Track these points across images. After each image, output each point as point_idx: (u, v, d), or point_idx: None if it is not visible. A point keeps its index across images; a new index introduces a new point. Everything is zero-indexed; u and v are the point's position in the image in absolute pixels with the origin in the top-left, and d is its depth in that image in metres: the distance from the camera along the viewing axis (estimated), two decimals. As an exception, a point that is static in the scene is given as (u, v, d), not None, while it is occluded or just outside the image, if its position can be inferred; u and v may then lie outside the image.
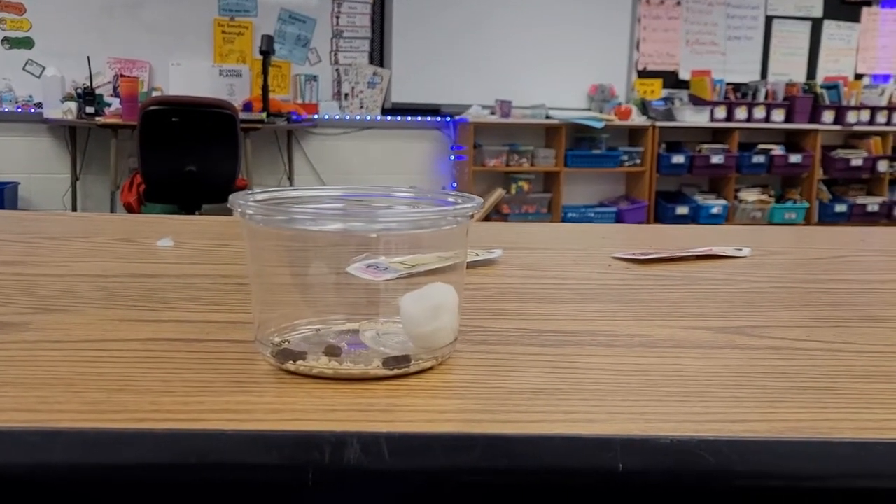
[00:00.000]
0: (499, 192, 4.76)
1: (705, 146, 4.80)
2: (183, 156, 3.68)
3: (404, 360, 0.40)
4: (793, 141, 4.96)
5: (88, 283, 0.59)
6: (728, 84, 4.85)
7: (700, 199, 4.86)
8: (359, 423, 0.34)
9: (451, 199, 0.44)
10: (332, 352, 0.41)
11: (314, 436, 0.32)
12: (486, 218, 4.71)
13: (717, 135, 4.86)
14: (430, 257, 0.67)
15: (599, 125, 4.57)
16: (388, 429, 0.33)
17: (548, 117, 4.67)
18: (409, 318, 0.41)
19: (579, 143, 4.76)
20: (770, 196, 4.93)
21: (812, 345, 0.47)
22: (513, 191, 4.78)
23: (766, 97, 4.83)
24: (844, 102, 4.87)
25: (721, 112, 4.77)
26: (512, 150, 4.70)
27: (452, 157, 4.91)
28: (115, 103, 4.36)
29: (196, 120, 3.67)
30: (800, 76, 5.08)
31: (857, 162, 4.88)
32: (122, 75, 4.52)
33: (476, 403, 0.36)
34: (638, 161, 4.74)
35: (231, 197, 0.43)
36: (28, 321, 0.48)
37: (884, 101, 4.92)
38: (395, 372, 0.40)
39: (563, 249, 0.80)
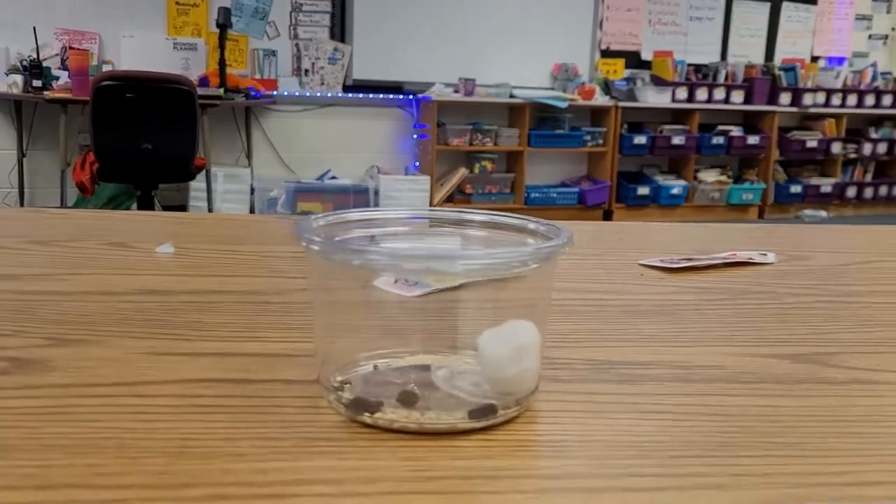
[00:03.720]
0: (462, 172, 4.72)
1: (666, 127, 4.82)
2: (138, 133, 3.55)
3: (491, 410, 0.37)
4: (751, 122, 5.02)
5: (99, 304, 0.54)
6: (689, 65, 4.87)
7: (660, 179, 4.89)
8: (466, 494, 0.31)
9: (531, 225, 0.41)
10: (408, 400, 0.37)
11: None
12: (449, 198, 4.68)
13: (678, 116, 4.89)
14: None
15: (563, 105, 4.55)
16: (501, 500, 0.30)
17: (511, 96, 4.64)
18: (492, 360, 0.38)
19: (543, 122, 4.74)
20: (728, 177, 4.99)
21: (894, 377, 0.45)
22: (476, 170, 4.75)
23: (726, 78, 4.87)
24: (801, 85, 4.94)
25: (682, 93, 4.80)
26: (475, 129, 4.66)
27: (415, 136, 4.85)
28: (64, 77, 4.19)
29: (152, 96, 3.54)
30: (758, 58, 5.13)
31: (812, 144, 4.97)
32: (70, 47, 4.34)
33: (582, 464, 0.33)
34: (601, 141, 4.74)
35: (294, 228, 0.39)
36: (48, 357, 0.44)
37: (839, 84, 5.01)
38: (483, 424, 0.36)
39: (581, 254, 0.77)
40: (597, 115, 4.86)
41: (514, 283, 0.40)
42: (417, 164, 4.88)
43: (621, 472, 0.33)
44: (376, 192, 4.57)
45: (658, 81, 4.82)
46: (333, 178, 4.82)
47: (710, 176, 4.97)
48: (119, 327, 0.49)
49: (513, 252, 0.37)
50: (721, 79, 4.88)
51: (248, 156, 4.77)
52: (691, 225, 1.04)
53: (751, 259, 0.76)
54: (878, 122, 5.15)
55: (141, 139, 3.55)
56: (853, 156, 5.05)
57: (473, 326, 0.44)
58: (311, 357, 0.45)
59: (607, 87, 4.82)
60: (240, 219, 1.05)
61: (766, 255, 0.77)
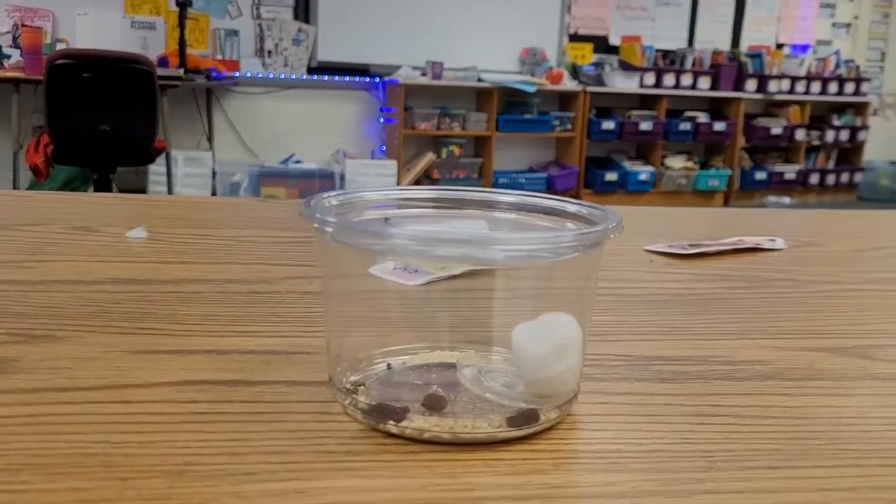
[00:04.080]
0: (429, 157, 4.66)
1: (634, 112, 4.82)
2: (95, 114, 3.42)
3: (533, 416, 0.32)
4: (717, 109, 5.04)
5: (70, 294, 0.48)
6: (657, 51, 4.86)
7: (628, 165, 4.89)
8: (524, 520, 0.26)
9: (571, 207, 0.36)
10: (435, 404, 0.33)
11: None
12: (417, 183, 4.62)
13: (646, 101, 4.88)
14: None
15: (531, 89, 4.51)
16: (565, 528, 0.25)
17: (480, 80, 4.58)
18: (530, 358, 0.33)
19: (511, 107, 4.70)
20: (695, 163, 5.01)
21: (950, 372, 0.42)
22: (443, 155, 4.69)
23: (694, 64, 4.88)
24: (766, 71, 4.96)
25: (650, 78, 4.79)
26: (443, 113, 4.60)
27: (381, 120, 4.77)
28: (16, 55, 4.03)
29: (110, 75, 3.41)
30: (725, 44, 5.15)
31: (776, 130, 5.00)
32: (22, 25, 4.17)
33: (648, 480, 0.29)
34: (569, 126, 4.72)
35: (305, 208, 0.34)
36: (14, 356, 0.38)
37: (803, 72, 5.05)
38: (524, 432, 0.32)
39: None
40: (565, 100, 4.83)
41: (547, 272, 0.36)
42: (384, 148, 4.81)
43: (696, 489, 0.28)
44: (342, 177, 4.49)
45: (626, 67, 4.80)
46: (298, 162, 4.72)
47: (677, 162, 4.98)
48: (94, 321, 0.44)
49: (559, 236, 0.32)
50: (688, 65, 4.89)
51: (210, 139, 4.65)
52: (688, 210, 1.01)
53: (759, 245, 0.72)
54: (840, 109, 5.21)
55: (98, 120, 3.42)
56: (816, 143, 5.10)
57: (500, 319, 0.39)
58: (312, 354, 0.40)
59: (575, 71, 4.79)
60: (214, 201, 0.98)
61: (774, 240, 0.74)
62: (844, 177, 5.19)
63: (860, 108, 5.18)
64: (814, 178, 5.13)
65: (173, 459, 0.29)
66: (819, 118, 5.15)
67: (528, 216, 0.38)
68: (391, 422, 0.31)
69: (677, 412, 0.35)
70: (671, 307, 0.51)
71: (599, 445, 0.31)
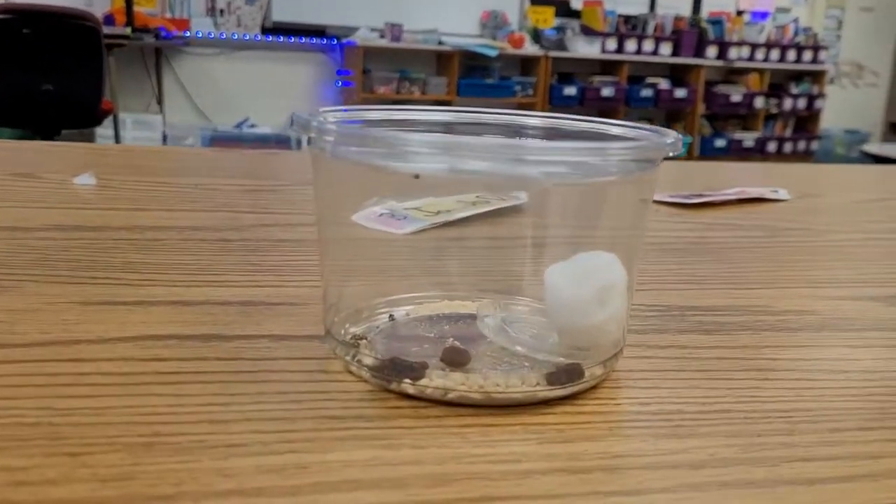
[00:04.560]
0: (388, 121, 4.56)
1: (596, 78, 4.77)
2: (37, 73, 3.25)
3: (576, 372, 0.27)
4: (678, 75, 5.02)
5: (7, 242, 0.41)
6: (619, 16, 4.81)
7: (588, 131, 4.84)
8: (591, 497, 0.21)
9: (615, 129, 0.31)
10: (457, 359, 0.27)
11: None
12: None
13: (607, 67, 4.84)
14: (448, 201, 0.53)
15: (493, 53, 4.43)
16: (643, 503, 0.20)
17: (440, 43, 4.49)
18: (568, 304, 0.28)
19: (472, 71, 4.62)
20: (654, 130, 4.97)
21: None
22: (402, 120, 4.59)
23: (655, 30, 4.84)
24: (727, 38, 4.95)
25: (612, 44, 4.74)
26: (403, 77, 4.50)
27: (339, 83, 4.66)
28: (-48, 10, 3.81)
29: (53, 32, 3.24)
30: (686, 9, 5.12)
31: (736, 98, 5.01)
32: (-42, -22, 3.94)
33: (724, 446, 0.24)
34: (530, 92, 4.65)
35: (297, 116, 0.27)
36: (-65, 308, 0.31)
37: (762, 39, 5.05)
38: (567, 391, 0.26)
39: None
40: (526, 65, 4.77)
41: (590, 197, 0.30)
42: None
43: (784, 456, 0.23)
44: (299, 142, 4.37)
45: (588, 31, 4.75)
46: (252, 126, 4.59)
47: (636, 129, 4.94)
48: (35, 269, 0.37)
49: (605, 149, 0.27)
50: (650, 30, 4.85)
51: (159, 101, 4.49)
52: (681, 163, 0.96)
53: (763, 196, 0.68)
54: (798, 77, 5.24)
55: (40, 80, 3.25)
56: (775, 111, 5.12)
57: (522, 262, 0.34)
58: (296, 305, 0.34)
59: (537, 36, 4.72)
60: (168, 150, 0.91)
61: (777, 191, 0.70)
62: (801, 144, 5.23)
63: (817, 77, 5.21)
64: (771, 146, 5.16)
65: (137, 429, 0.23)
66: (777, 86, 5.17)
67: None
68: (407, 380, 0.26)
69: (734, 367, 0.30)
70: (691, 256, 0.46)
71: (656, 405, 0.26)
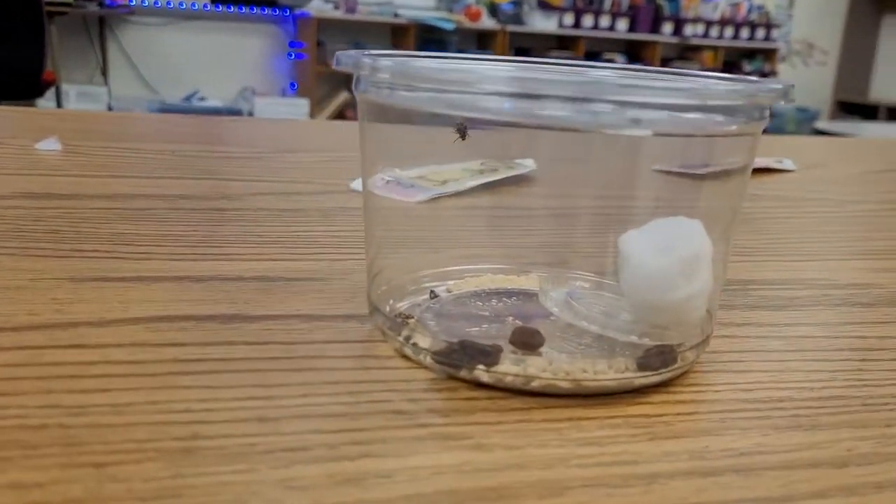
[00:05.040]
0: (343, 96, 4.48)
1: (553, 53, 4.75)
2: (-27, 41, 3.09)
3: (671, 356, 0.23)
4: (634, 52, 5.03)
5: (-29, 210, 0.36)
6: (575, -10, 4.78)
7: (544, 107, 4.81)
8: (737, 507, 0.17)
9: (707, 77, 0.27)
10: (530, 341, 0.24)
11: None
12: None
13: (564, 42, 4.82)
14: (452, 168, 0.49)
15: (450, 27, 4.37)
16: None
17: (396, 15, 4.40)
18: (649, 276, 0.24)
19: (428, 44, 4.54)
20: (609, 106, 4.98)
21: None
22: (357, 94, 4.51)
23: (612, 6, 4.83)
24: (683, 15, 4.97)
25: (569, 19, 4.72)
26: (357, 49, 4.41)
27: (292, 56, 4.54)
28: None
29: (-11, -2, 3.08)
30: (641, -14, 5.12)
31: (689, 75, 5.04)
32: None
33: (860, 438, 0.21)
34: (486, 66, 4.61)
35: (341, 56, 0.23)
36: None
37: (717, 16, 5.08)
38: (661, 377, 0.23)
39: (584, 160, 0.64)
40: (483, 39, 4.71)
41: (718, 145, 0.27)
42: (295, 85, 4.60)
43: (928, 450, 0.20)
44: (251, 115, 4.26)
45: (545, 6, 4.71)
46: (202, 99, 4.46)
47: (591, 105, 4.94)
48: (11, 242, 0.32)
49: (715, 90, 0.23)
50: (607, 6, 4.84)
51: (104, 72, 4.32)
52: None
53: (769, 166, 0.66)
54: (751, 55, 5.29)
55: (-23, 48, 3.10)
56: (725, 88, 5.17)
57: (564, 234, 0.31)
58: (319, 281, 0.30)
59: (494, 9, 4.67)
60: (134, 116, 0.85)
61: (781, 161, 0.67)
62: (751, 122, 5.30)
63: (769, 55, 5.27)
64: (722, 123, 5.21)
65: (171, 431, 0.19)
66: (731, 63, 5.22)
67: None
68: (481, 366, 0.22)
69: (825, 346, 0.27)
70: (724, 226, 0.43)
71: (761, 391, 0.23)
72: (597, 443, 0.19)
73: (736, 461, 0.19)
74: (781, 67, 5.35)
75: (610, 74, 0.29)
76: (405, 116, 0.24)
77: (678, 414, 0.21)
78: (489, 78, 0.21)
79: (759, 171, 0.63)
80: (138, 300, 0.27)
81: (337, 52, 0.24)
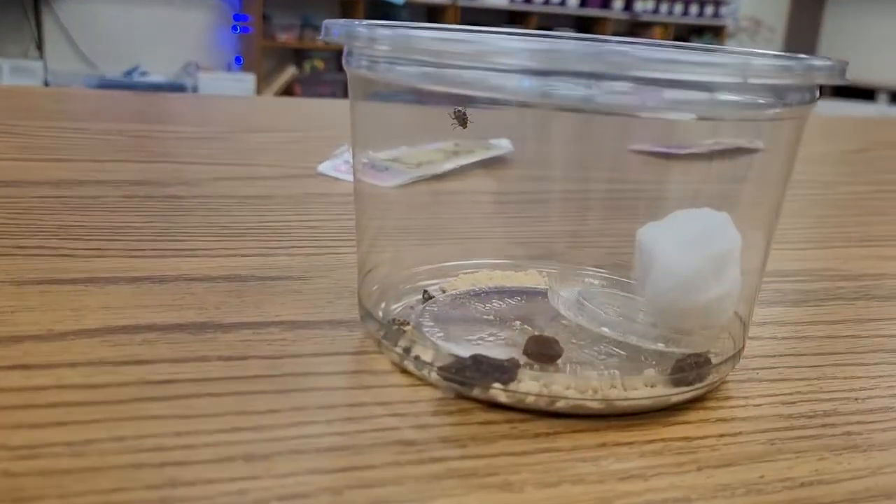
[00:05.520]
0: (290, 71, 4.38)
1: (504, 28, 4.72)
2: None
3: (706, 368, 0.21)
4: (585, 27, 5.02)
5: None
6: (526, -35, 4.74)
7: (496, 83, 4.78)
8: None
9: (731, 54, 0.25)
10: (548, 351, 0.21)
11: None
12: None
13: (515, 17, 4.78)
14: (426, 150, 0.47)
15: (400, 1, 4.30)
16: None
17: (344, -11, 4.31)
18: (674, 275, 0.22)
19: (377, 19, 4.47)
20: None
21: None
22: (306, 69, 4.42)
23: (562, -19, 4.81)
24: (632, -9, 4.98)
25: (520, -7, 4.68)
26: (305, 24, 4.31)
27: (236, 30, 4.42)
28: None
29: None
30: (591, -38, 5.10)
31: (639, 51, 5.06)
32: None
33: (920, 458, 0.19)
34: (437, 42, 4.55)
35: (329, 24, 0.20)
36: None
37: (665, -7, 5.10)
38: (694, 392, 0.21)
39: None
40: (434, 14, 4.65)
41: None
42: (241, 60, 4.48)
43: None
44: (195, 91, 4.14)
45: (495, -19, 4.67)
46: (144, 74, 4.31)
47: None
48: (-61, 237, 0.28)
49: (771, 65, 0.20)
50: (557, -19, 4.82)
51: (40, 46, 4.15)
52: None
53: (740, 146, 0.64)
54: (700, 31, 5.33)
55: None
56: (674, 65, 5.21)
57: (563, 224, 0.28)
58: (295, 280, 0.27)
59: (444, -16, 4.61)
60: (72, 92, 0.79)
61: (752, 140, 0.66)
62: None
63: (718, 31, 5.32)
64: (671, 100, 5.25)
65: (142, 477, 0.16)
66: (680, 39, 5.26)
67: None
68: (497, 384, 0.19)
69: (856, 347, 0.25)
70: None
71: (804, 405, 0.21)
72: (640, 475, 0.17)
73: (798, 494, 0.17)
74: (729, 44, 5.40)
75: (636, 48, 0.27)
76: (402, 94, 0.22)
77: (721, 436, 0.19)
78: (506, 51, 0.19)
79: (732, 151, 0.61)
80: (92, 307, 0.23)
81: (325, 22, 0.21)
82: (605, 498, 0.16)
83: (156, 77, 4.33)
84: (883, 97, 3.52)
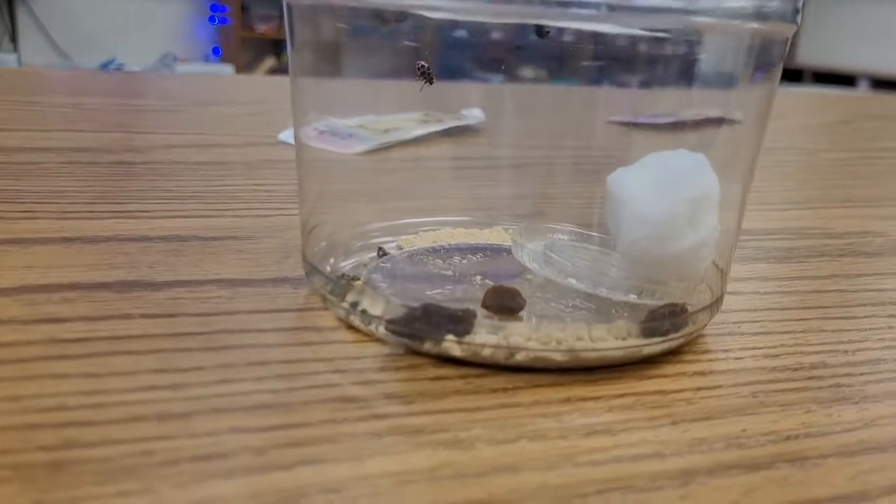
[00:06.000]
0: (270, 62, 4.34)
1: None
2: None
3: (681, 317, 0.19)
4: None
5: None
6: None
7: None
8: (804, 512, 0.13)
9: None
10: (509, 303, 0.19)
11: None
12: (258, 90, 4.28)
13: (495, 7, 4.77)
14: (394, 118, 0.45)
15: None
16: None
17: (323, -21, 4.27)
18: (648, 221, 0.20)
19: None
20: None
21: None
22: (285, 60, 4.37)
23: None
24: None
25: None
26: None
27: (214, 21, 4.37)
28: None
29: None
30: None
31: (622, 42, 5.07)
32: None
33: (918, 410, 0.17)
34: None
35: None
36: None
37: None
38: (668, 344, 0.19)
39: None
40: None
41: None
42: (219, 51, 4.43)
43: None
44: (174, 83, 4.08)
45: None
46: (121, 66, 4.25)
47: (527, 73, 4.93)
48: None
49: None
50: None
51: (13, 38, 4.08)
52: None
53: (724, 116, 0.62)
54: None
55: None
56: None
57: (529, 183, 0.26)
58: (241, 240, 0.25)
59: (424, -27, 4.58)
60: (33, 71, 0.76)
61: (730, 111, 0.64)
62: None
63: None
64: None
65: (37, 437, 0.13)
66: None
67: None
68: (451, 336, 0.17)
69: (844, 301, 0.23)
70: (696, 175, 0.40)
71: (789, 357, 0.19)
72: (607, 431, 0.15)
73: (784, 448, 0.15)
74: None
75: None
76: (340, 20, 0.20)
77: (699, 389, 0.17)
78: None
79: (713, 121, 0.60)
80: (14, 267, 0.21)
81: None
82: (568, 455, 0.14)
83: (133, 69, 4.28)
84: (863, 83, 3.53)
